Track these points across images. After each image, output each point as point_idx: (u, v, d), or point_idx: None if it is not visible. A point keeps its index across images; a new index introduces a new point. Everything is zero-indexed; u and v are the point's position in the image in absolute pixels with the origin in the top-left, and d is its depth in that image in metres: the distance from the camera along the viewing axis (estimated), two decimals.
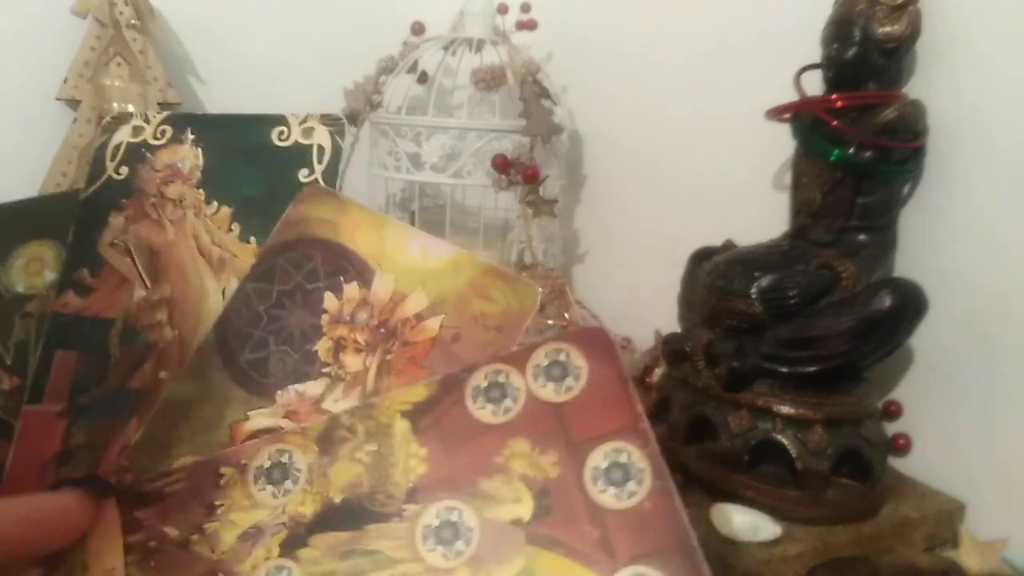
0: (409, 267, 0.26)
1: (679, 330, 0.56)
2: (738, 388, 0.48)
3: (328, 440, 0.24)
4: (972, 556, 0.44)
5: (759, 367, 0.48)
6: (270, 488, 0.23)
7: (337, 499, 0.23)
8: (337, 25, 0.83)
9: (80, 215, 0.29)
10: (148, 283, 0.28)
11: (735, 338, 0.50)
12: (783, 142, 0.54)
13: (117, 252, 0.29)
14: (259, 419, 0.25)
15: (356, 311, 0.26)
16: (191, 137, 0.30)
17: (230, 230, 0.29)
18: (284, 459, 0.24)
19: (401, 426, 0.24)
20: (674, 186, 0.73)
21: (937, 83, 0.51)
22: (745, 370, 0.48)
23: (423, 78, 0.77)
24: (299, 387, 0.25)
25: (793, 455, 0.46)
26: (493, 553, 0.22)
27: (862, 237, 0.50)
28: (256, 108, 0.84)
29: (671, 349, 0.53)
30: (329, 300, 0.26)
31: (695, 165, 0.70)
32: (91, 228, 0.29)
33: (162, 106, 0.74)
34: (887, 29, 0.48)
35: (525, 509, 0.22)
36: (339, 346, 0.26)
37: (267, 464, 0.24)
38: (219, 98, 0.81)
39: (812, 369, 0.47)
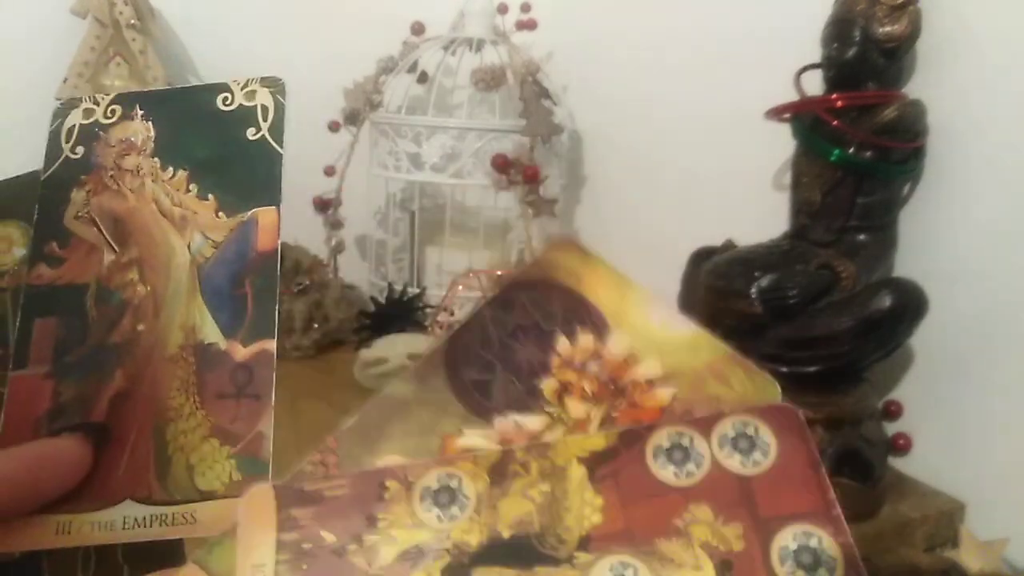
0: (647, 333, 0.26)
1: None
2: None
3: (500, 473, 0.24)
4: (972, 556, 0.44)
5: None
6: (436, 510, 0.23)
7: (505, 534, 0.23)
8: (337, 25, 0.83)
9: (42, 194, 0.31)
10: (116, 247, 0.29)
11: (735, 338, 0.49)
12: (783, 142, 0.54)
13: (82, 223, 0.30)
14: (473, 438, 0.25)
15: (588, 361, 0.26)
16: (140, 112, 0.31)
17: (188, 191, 0.30)
18: (453, 484, 0.23)
19: (577, 471, 0.23)
20: (674, 186, 0.73)
21: (937, 83, 0.51)
22: None
23: (423, 78, 0.77)
24: (519, 418, 0.25)
25: None
26: None
27: (862, 237, 0.50)
28: None
29: None
30: (562, 343, 0.26)
31: (695, 165, 0.70)
32: (55, 205, 0.30)
33: None
34: (887, 29, 0.48)
35: (706, 574, 0.22)
36: (565, 389, 0.26)
37: (435, 486, 0.23)
38: None
39: (812, 369, 0.47)
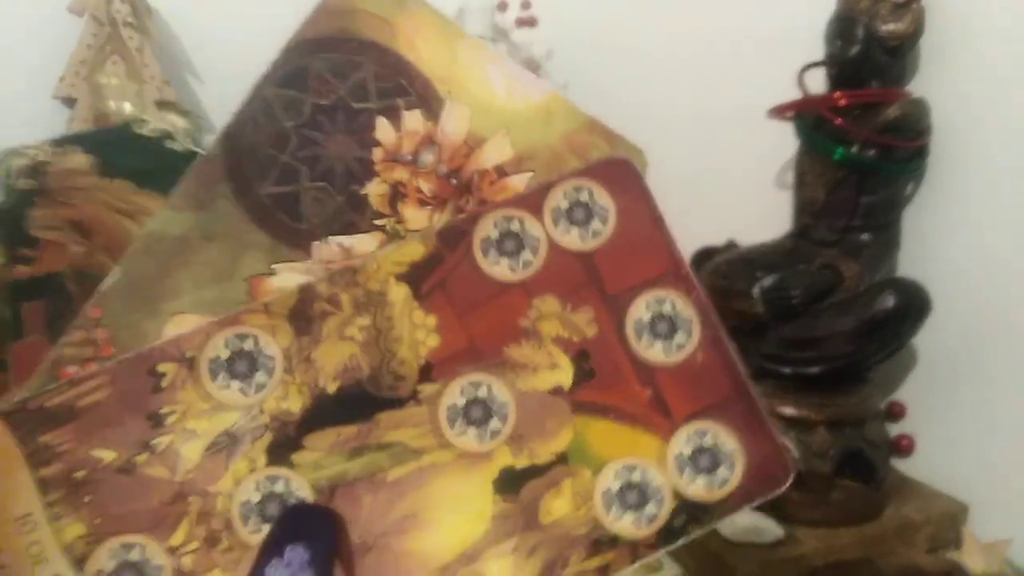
0: (488, 103, 0.21)
1: None
2: None
3: (304, 317, 0.19)
4: (975, 558, 0.44)
5: (762, 368, 0.48)
6: (236, 384, 0.18)
7: (331, 388, 0.19)
8: None
9: (2, 219, 0.34)
10: (81, 239, 0.31)
11: (737, 338, 0.49)
12: (786, 141, 0.54)
13: (48, 229, 0.32)
14: (289, 275, 0.20)
15: (420, 150, 0.20)
16: (77, 148, 0.35)
17: (134, 193, 0.32)
18: (247, 345, 0.18)
19: (399, 292, 0.19)
20: (676, 184, 0.72)
21: (941, 81, 0.50)
22: None
23: None
24: (344, 240, 0.19)
25: (796, 456, 0.46)
26: (535, 428, 0.19)
27: (865, 236, 0.50)
28: None
29: None
30: (383, 129, 0.20)
31: (697, 164, 0.69)
32: (16, 223, 0.33)
33: (159, 104, 0.74)
34: (891, 27, 0.48)
35: (564, 375, 0.19)
36: (397, 193, 0.20)
37: (224, 355, 0.19)
38: (216, 96, 0.81)
39: (815, 370, 0.47)
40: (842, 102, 0.49)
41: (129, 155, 0.35)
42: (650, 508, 0.19)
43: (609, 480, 0.19)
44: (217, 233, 0.19)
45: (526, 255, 0.20)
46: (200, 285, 0.19)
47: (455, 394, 0.19)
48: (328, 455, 0.18)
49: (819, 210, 0.51)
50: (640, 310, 0.20)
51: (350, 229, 0.19)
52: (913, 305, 0.46)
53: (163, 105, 0.64)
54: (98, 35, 0.71)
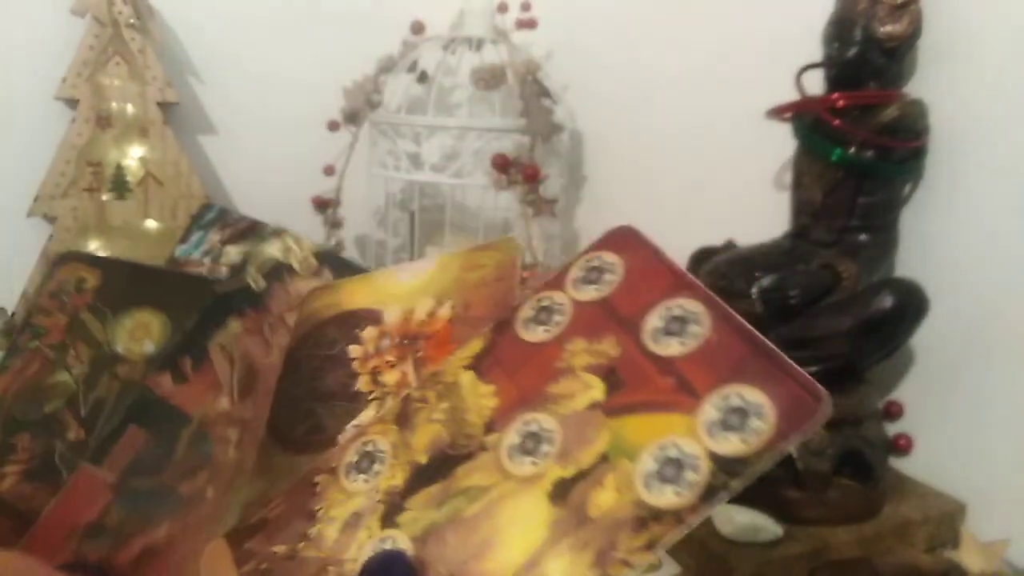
0: (407, 292, 0.29)
1: None
2: None
3: (404, 416, 0.25)
4: (973, 557, 0.44)
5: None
6: (361, 477, 0.24)
7: (423, 460, 0.24)
8: (337, 24, 0.82)
9: (207, 307, 0.31)
10: (236, 397, 0.30)
11: None
12: (784, 141, 0.54)
13: (222, 356, 0.30)
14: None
15: (379, 343, 0.28)
16: (328, 275, 0.33)
17: None
18: (369, 448, 0.25)
19: (466, 377, 0.25)
20: (675, 185, 0.72)
21: (938, 82, 0.50)
22: None
23: (423, 77, 0.77)
24: (355, 422, 0.27)
25: (794, 455, 0.46)
26: (577, 441, 0.22)
27: (863, 237, 0.50)
28: (255, 107, 0.84)
29: None
30: (353, 350, 0.28)
31: (696, 164, 0.70)
32: (210, 323, 0.31)
33: (161, 106, 0.74)
34: (888, 28, 0.48)
35: (597, 392, 0.23)
36: (376, 373, 0.28)
37: (355, 458, 0.25)
38: (218, 97, 0.81)
39: (813, 369, 0.46)
40: (840, 103, 0.49)
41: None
42: (688, 475, 0.20)
43: (646, 463, 0.21)
44: (278, 477, 0.26)
45: (556, 318, 0.25)
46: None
47: (512, 435, 0.23)
48: (423, 511, 0.23)
49: (817, 211, 0.51)
50: (654, 320, 0.23)
51: (355, 413, 0.27)
52: (911, 305, 0.46)
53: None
54: (100, 36, 0.71)
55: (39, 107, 0.72)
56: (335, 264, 0.33)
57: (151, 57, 0.73)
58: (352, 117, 0.74)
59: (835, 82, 0.51)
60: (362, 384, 0.27)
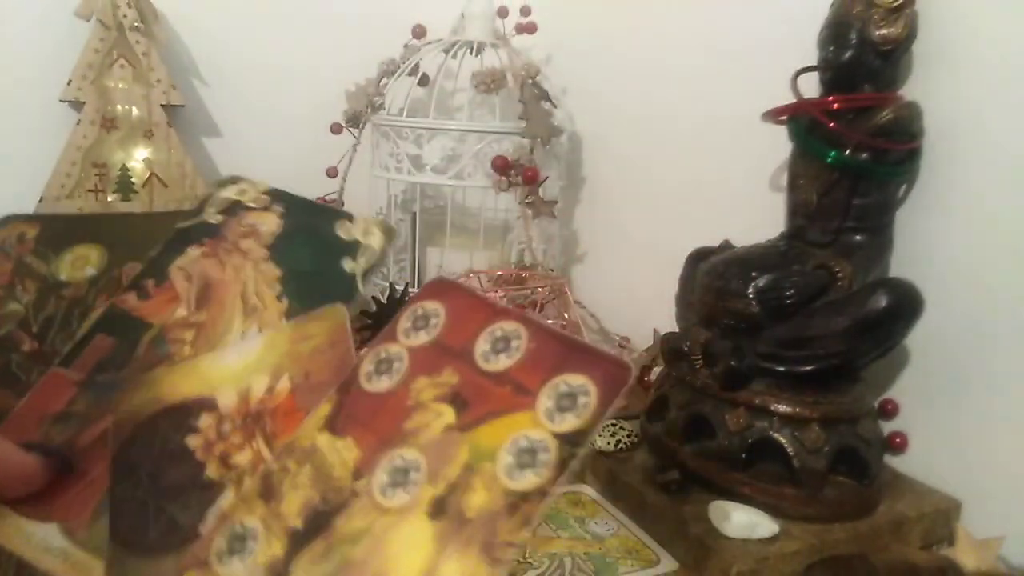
0: (236, 373, 0.30)
1: (677, 329, 0.57)
2: (735, 387, 0.49)
3: (268, 489, 0.26)
4: (968, 554, 0.45)
5: (756, 366, 0.49)
6: (235, 559, 0.25)
7: (298, 524, 0.25)
8: (339, 28, 0.83)
9: (170, 239, 0.34)
10: (194, 306, 0.32)
11: (732, 337, 0.50)
12: (780, 144, 0.55)
13: (181, 276, 0.33)
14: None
15: (220, 427, 0.29)
16: (280, 210, 0.35)
17: (271, 288, 0.33)
18: (237, 529, 0.26)
19: (323, 438, 0.27)
20: (672, 187, 0.73)
21: (933, 85, 0.51)
22: (742, 369, 0.49)
23: (424, 81, 0.78)
24: (214, 508, 0.27)
25: (790, 453, 0.47)
26: (441, 461, 0.25)
27: (858, 238, 0.51)
28: (259, 110, 0.84)
29: (669, 348, 0.54)
30: (192, 440, 0.29)
31: (693, 166, 0.70)
32: (172, 252, 0.34)
33: (165, 108, 0.75)
34: (883, 31, 0.48)
35: (448, 416, 0.26)
36: (224, 458, 0.28)
37: (225, 545, 0.26)
38: (222, 100, 0.82)
39: (809, 368, 0.47)
40: (835, 106, 0.50)
41: (306, 245, 0.35)
42: (541, 457, 0.24)
43: (505, 458, 0.24)
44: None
45: (396, 365, 0.28)
46: None
47: (381, 475, 0.25)
48: (310, 569, 0.24)
49: (813, 212, 0.51)
50: (482, 345, 0.27)
51: (211, 501, 0.27)
52: (906, 305, 0.46)
53: None
54: (105, 39, 0.72)
55: (45, 109, 0.73)
56: (285, 200, 0.35)
57: (155, 60, 0.74)
58: (354, 120, 0.75)
59: (830, 85, 0.51)
60: (212, 471, 0.28)
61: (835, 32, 0.50)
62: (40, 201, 0.71)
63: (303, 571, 0.24)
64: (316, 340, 0.30)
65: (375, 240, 0.34)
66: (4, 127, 0.74)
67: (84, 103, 0.72)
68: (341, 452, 0.26)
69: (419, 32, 0.78)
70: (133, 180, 0.74)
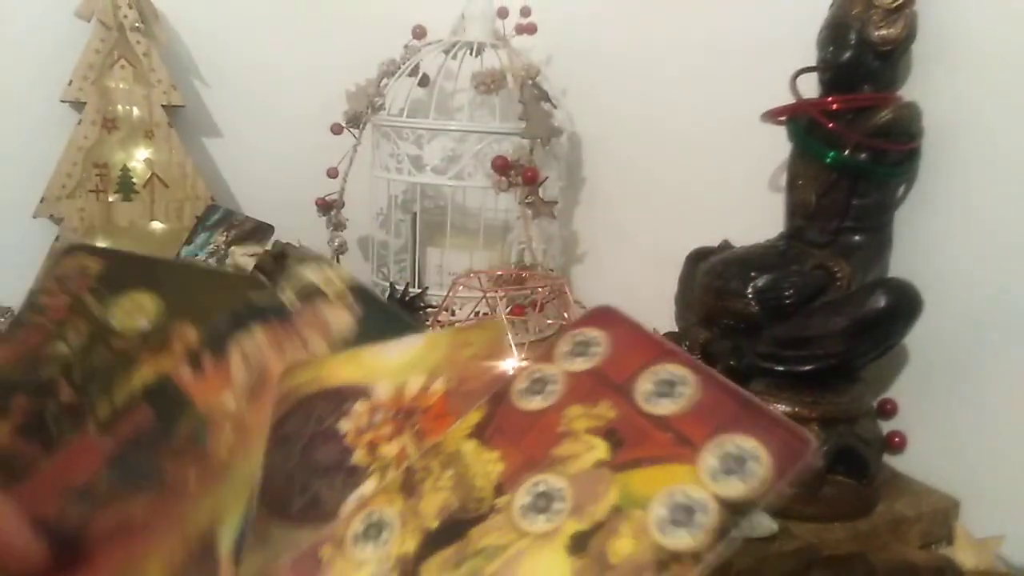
0: (395, 368, 0.30)
1: (677, 329, 0.57)
2: None
3: (410, 486, 0.26)
4: (967, 553, 0.45)
5: (755, 366, 0.49)
6: (370, 545, 0.25)
7: (434, 525, 0.25)
8: (339, 28, 0.83)
9: (240, 311, 0.33)
10: (242, 399, 0.31)
11: (732, 337, 0.50)
12: (779, 144, 0.55)
13: (240, 358, 0.32)
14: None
15: (372, 417, 0.29)
16: (358, 311, 0.34)
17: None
18: (375, 518, 0.26)
19: (469, 446, 0.27)
20: (672, 187, 0.73)
21: (932, 85, 0.51)
22: (741, 369, 0.49)
23: (424, 81, 0.78)
24: (356, 493, 0.27)
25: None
26: (588, 496, 0.24)
27: (857, 238, 0.51)
28: (260, 110, 0.85)
29: None
30: (344, 424, 0.29)
31: (692, 166, 0.70)
32: (238, 325, 0.33)
33: (166, 108, 0.75)
34: (882, 32, 0.48)
35: (601, 451, 0.25)
36: (372, 447, 0.28)
37: (361, 528, 0.26)
38: (223, 100, 0.82)
39: (808, 368, 0.48)
40: (835, 106, 0.50)
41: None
42: (699, 518, 0.22)
43: (658, 510, 0.23)
44: (281, 549, 0.27)
45: (550, 387, 0.27)
46: None
47: (523, 496, 0.25)
48: (440, 573, 0.24)
49: (812, 212, 0.52)
50: (645, 384, 0.26)
51: (355, 486, 0.28)
52: (904, 305, 0.46)
53: None
54: (106, 40, 0.72)
55: (46, 109, 0.73)
56: (367, 301, 0.34)
57: (156, 60, 0.74)
58: (355, 120, 0.75)
59: (830, 85, 0.51)
60: (359, 458, 0.28)
61: (834, 33, 0.50)
62: (41, 201, 0.72)
63: (432, 573, 0.24)
64: (474, 348, 0.30)
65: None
66: (5, 127, 0.74)
67: (85, 103, 0.72)
68: (486, 464, 0.26)
69: (419, 33, 0.78)
70: (134, 180, 0.74)
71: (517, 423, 0.26)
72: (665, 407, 0.25)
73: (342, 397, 0.29)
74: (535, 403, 0.27)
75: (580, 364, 0.27)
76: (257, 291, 0.33)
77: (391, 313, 0.35)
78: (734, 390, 0.25)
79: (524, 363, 0.29)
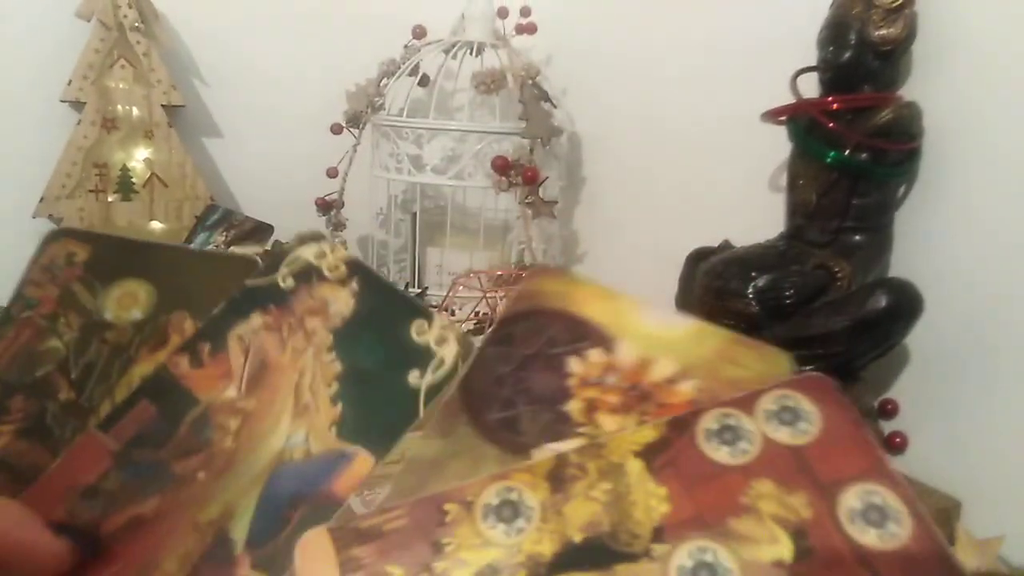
0: (649, 336, 0.27)
1: None
2: None
3: (558, 478, 0.23)
4: (969, 554, 0.45)
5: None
6: (501, 526, 0.23)
7: (577, 538, 0.22)
8: (339, 28, 0.83)
9: (235, 297, 0.31)
10: (244, 388, 0.29)
11: None
12: (779, 144, 0.55)
13: (239, 347, 0.30)
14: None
15: (604, 374, 0.26)
16: (355, 288, 0.32)
17: (328, 385, 0.29)
18: (513, 496, 0.23)
19: (635, 465, 0.24)
20: (672, 187, 0.73)
21: (932, 85, 0.51)
22: None
23: (424, 81, 0.78)
24: (556, 445, 0.25)
25: None
26: None
27: (858, 238, 0.51)
28: (259, 110, 0.85)
29: None
30: (574, 363, 0.26)
31: (693, 166, 0.70)
32: (235, 314, 0.31)
33: (166, 108, 0.75)
34: (883, 32, 0.48)
35: (785, 550, 0.22)
36: (592, 407, 0.26)
37: (495, 502, 0.23)
38: (223, 100, 0.82)
39: (809, 368, 0.47)
40: (835, 106, 0.50)
41: (374, 342, 0.31)
42: None
43: None
44: (460, 452, 0.25)
45: (743, 444, 0.24)
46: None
47: (684, 556, 0.22)
48: None
49: (812, 212, 0.52)
50: (851, 499, 0.22)
51: (560, 436, 0.25)
52: (905, 304, 0.46)
53: None
54: (106, 40, 0.72)
55: (45, 109, 0.73)
56: (365, 275, 0.32)
57: (156, 60, 0.74)
58: (355, 120, 0.75)
59: (830, 85, 0.51)
60: (574, 409, 0.25)
61: (834, 32, 0.50)
62: (41, 201, 0.72)
63: None
64: (743, 372, 0.26)
65: (449, 352, 0.29)
66: (4, 127, 0.74)
67: (85, 103, 0.72)
68: (650, 496, 0.23)
69: (419, 32, 0.78)
70: (134, 180, 0.74)
71: (696, 467, 0.23)
72: (869, 537, 0.21)
73: (582, 332, 0.26)
74: (721, 454, 0.23)
75: (784, 435, 0.24)
76: (252, 274, 0.32)
77: (390, 289, 0.33)
78: (949, 558, 0.21)
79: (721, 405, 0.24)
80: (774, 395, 0.25)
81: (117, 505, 0.27)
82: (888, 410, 0.54)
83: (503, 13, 0.77)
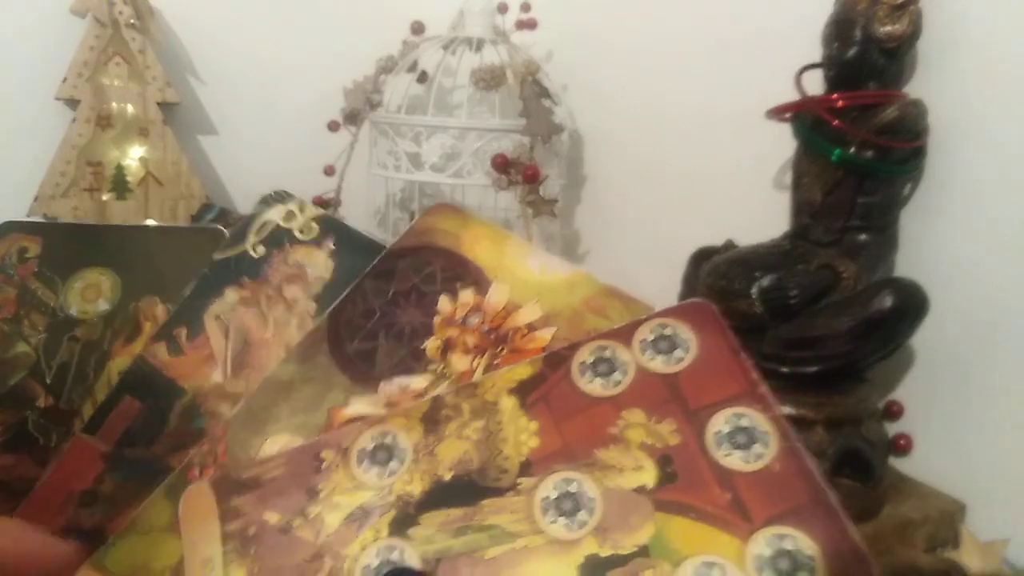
0: (525, 280, 0.27)
1: None
2: None
3: (432, 420, 0.24)
4: (973, 557, 0.44)
5: (760, 367, 0.48)
6: (375, 469, 0.23)
7: (446, 476, 0.23)
8: (337, 24, 0.83)
9: (205, 274, 0.30)
10: (230, 371, 0.28)
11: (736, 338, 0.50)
12: (784, 142, 0.54)
13: (217, 327, 0.29)
14: (359, 405, 0.25)
15: (469, 315, 0.27)
16: (331, 247, 0.31)
17: None
18: (388, 440, 0.24)
19: (508, 402, 0.24)
20: (674, 186, 0.73)
21: (938, 82, 0.51)
22: None
23: (423, 77, 0.77)
24: (403, 380, 0.25)
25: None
26: (619, 522, 0.21)
27: (863, 237, 0.50)
28: (255, 107, 0.84)
29: None
30: (443, 302, 0.27)
31: (695, 165, 0.70)
32: (207, 292, 0.30)
33: (161, 106, 0.74)
34: (888, 28, 0.48)
35: (648, 476, 0.22)
36: (448, 346, 0.26)
37: (370, 446, 0.24)
38: (218, 98, 0.82)
39: (813, 369, 0.47)
40: (840, 103, 0.49)
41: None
42: None
43: (688, 574, 0.20)
44: (312, 377, 0.25)
45: (616, 376, 0.24)
46: (295, 414, 0.25)
47: (549, 487, 0.22)
48: (438, 531, 0.22)
49: (817, 211, 0.51)
50: (719, 423, 0.23)
51: (409, 372, 0.25)
52: (911, 305, 0.46)
53: None
54: (100, 37, 0.71)
55: (39, 107, 0.72)
56: (339, 232, 0.31)
57: (151, 57, 0.73)
58: (352, 117, 0.74)
59: (835, 82, 0.51)
60: (430, 347, 0.26)
61: (839, 29, 0.49)
62: (35, 200, 0.71)
63: (430, 530, 0.22)
64: (603, 325, 0.26)
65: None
66: None
67: (79, 101, 0.71)
68: (520, 431, 0.23)
69: (418, 28, 0.77)
70: (128, 178, 0.73)
71: (568, 401, 0.24)
72: (735, 463, 0.22)
73: (461, 272, 0.27)
74: (595, 387, 0.24)
75: (658, 364, 0.25)
76: (219, 246, 0.30)
77: (368, 243, 0.32)
78: (811, 474, 0.22)
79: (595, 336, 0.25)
80: (653, 324, 0.26)
81: (118, 507, 0.27)
82: (893, 412, 0.53)
83: (503, 9, 0.76)
